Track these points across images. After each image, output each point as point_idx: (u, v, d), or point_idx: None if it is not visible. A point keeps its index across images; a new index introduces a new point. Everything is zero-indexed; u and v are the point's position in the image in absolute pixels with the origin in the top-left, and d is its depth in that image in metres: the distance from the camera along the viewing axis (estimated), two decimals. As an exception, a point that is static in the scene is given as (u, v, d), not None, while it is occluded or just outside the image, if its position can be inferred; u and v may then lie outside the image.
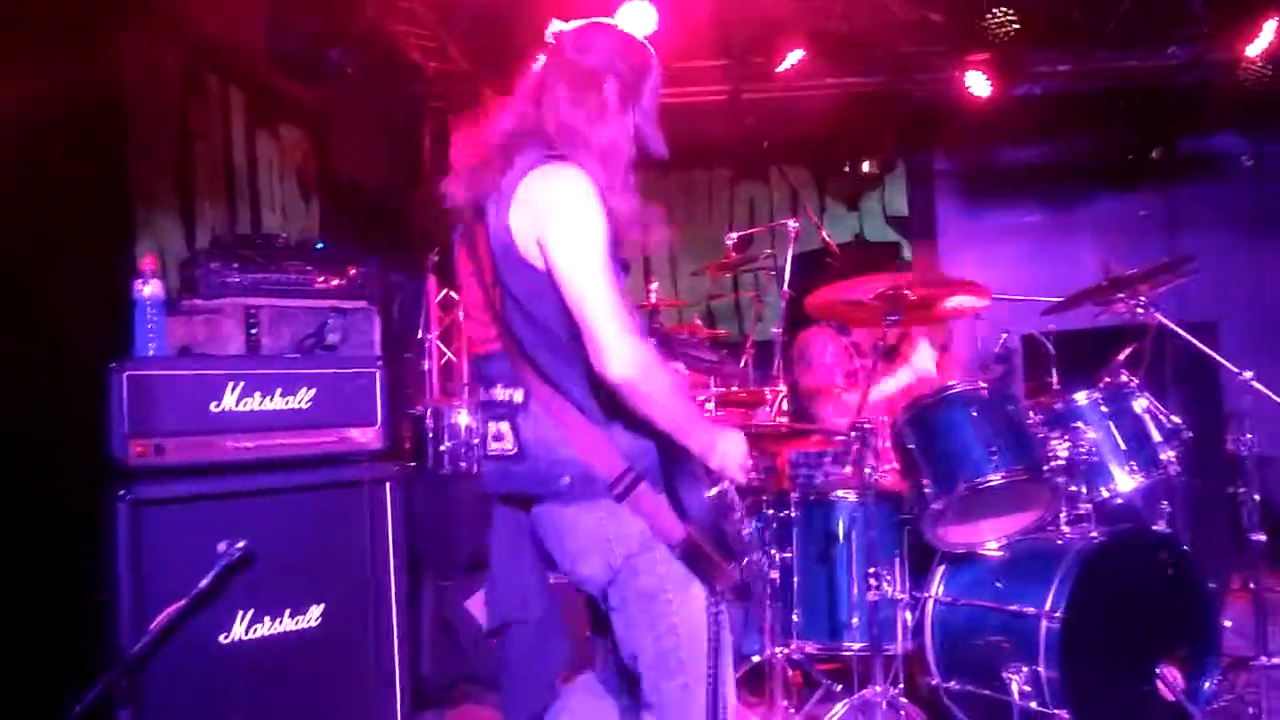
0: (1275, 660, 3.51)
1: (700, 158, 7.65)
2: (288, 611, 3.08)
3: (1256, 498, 3.51)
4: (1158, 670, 3.20)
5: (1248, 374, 3.49)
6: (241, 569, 2.95)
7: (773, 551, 3.51)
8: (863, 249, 7.41)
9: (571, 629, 2.39)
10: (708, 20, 5.64)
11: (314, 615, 3.13)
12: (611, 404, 2.08)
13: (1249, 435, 3.51)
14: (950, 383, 3.43)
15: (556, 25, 2.24)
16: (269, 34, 4.86)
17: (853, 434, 3.30)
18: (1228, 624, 3.52)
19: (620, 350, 2.00)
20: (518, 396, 2.14)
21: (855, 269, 3.89)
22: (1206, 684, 3.30)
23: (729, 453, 2.15)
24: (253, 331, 3.46)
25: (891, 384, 4.16)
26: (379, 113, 6.21)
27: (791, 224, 5.61)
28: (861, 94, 6.78)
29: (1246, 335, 5.78)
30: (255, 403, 3.09)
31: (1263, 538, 3.49)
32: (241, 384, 3.07)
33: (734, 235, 6.04)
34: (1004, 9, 5.56)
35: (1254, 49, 5.53)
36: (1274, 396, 3.47)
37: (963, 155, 7.47)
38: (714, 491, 2.11)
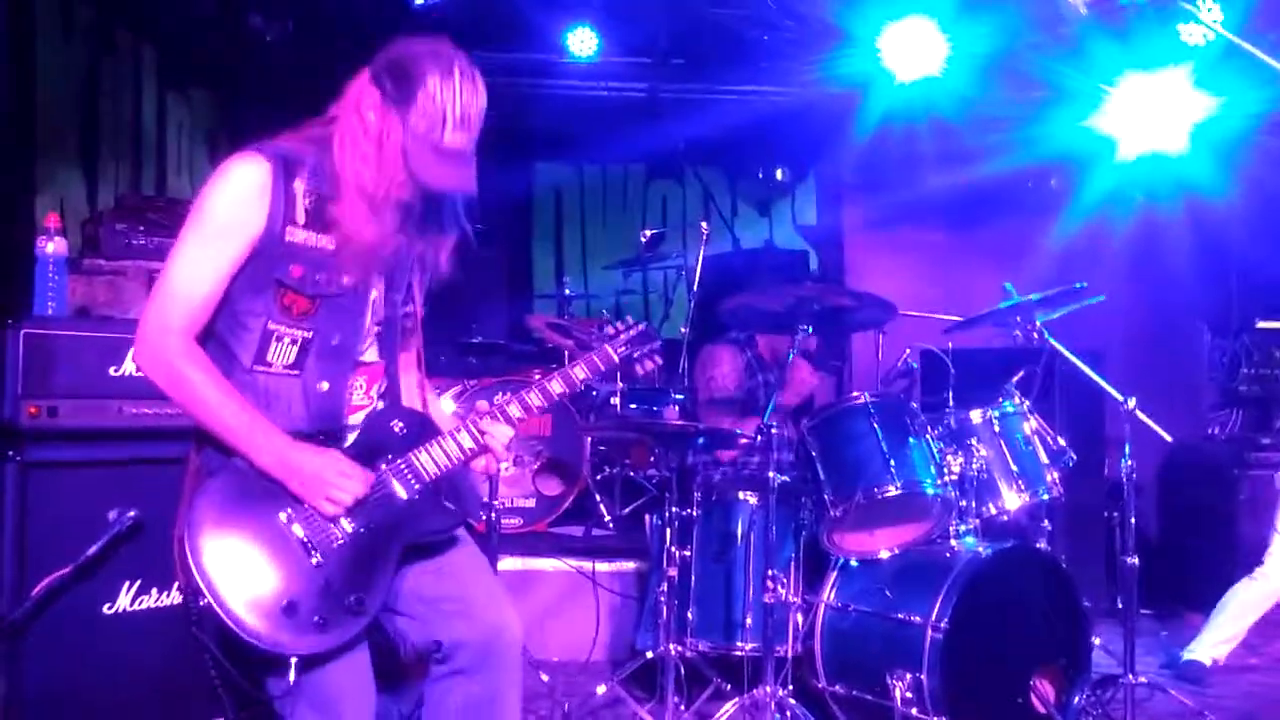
0: (1141, 679, 3.69)
1: (616, 153, 7.68)
2: (177, 584, 2.99)
3: (1133, 522, 3.68)
4: (1031, 683, 3.35)
5: (1131, 402, 3.67)
6: (131, 538, 2.85)
7: (673, 549, 3.55)
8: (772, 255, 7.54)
9: None
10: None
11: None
12: None
13: (1130, 462, 3.68)
14: (855, 393, 3.52)
15: None
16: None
17: (758, 438, 3.36)
18: (1097, 642, 3.69)
19: (140, 336, 1.97)
20: None
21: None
22: (1076, 699, 3.46)
23: (310, 477, 1.97)
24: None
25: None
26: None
27: (703, 225, 5.70)
28: (778, 101, 6.89)
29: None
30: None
31: (1136, 561, 3.67)
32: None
33: (646, 232, 6.11)
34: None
35: None
36: (1154, 426, 3.66)
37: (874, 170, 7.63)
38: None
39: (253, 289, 2.00)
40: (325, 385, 2.07)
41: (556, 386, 2.20)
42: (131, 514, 2.83)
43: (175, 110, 5.06)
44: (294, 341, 2.03)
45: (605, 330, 2.29)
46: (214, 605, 1.88)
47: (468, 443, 2.12)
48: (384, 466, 2.08)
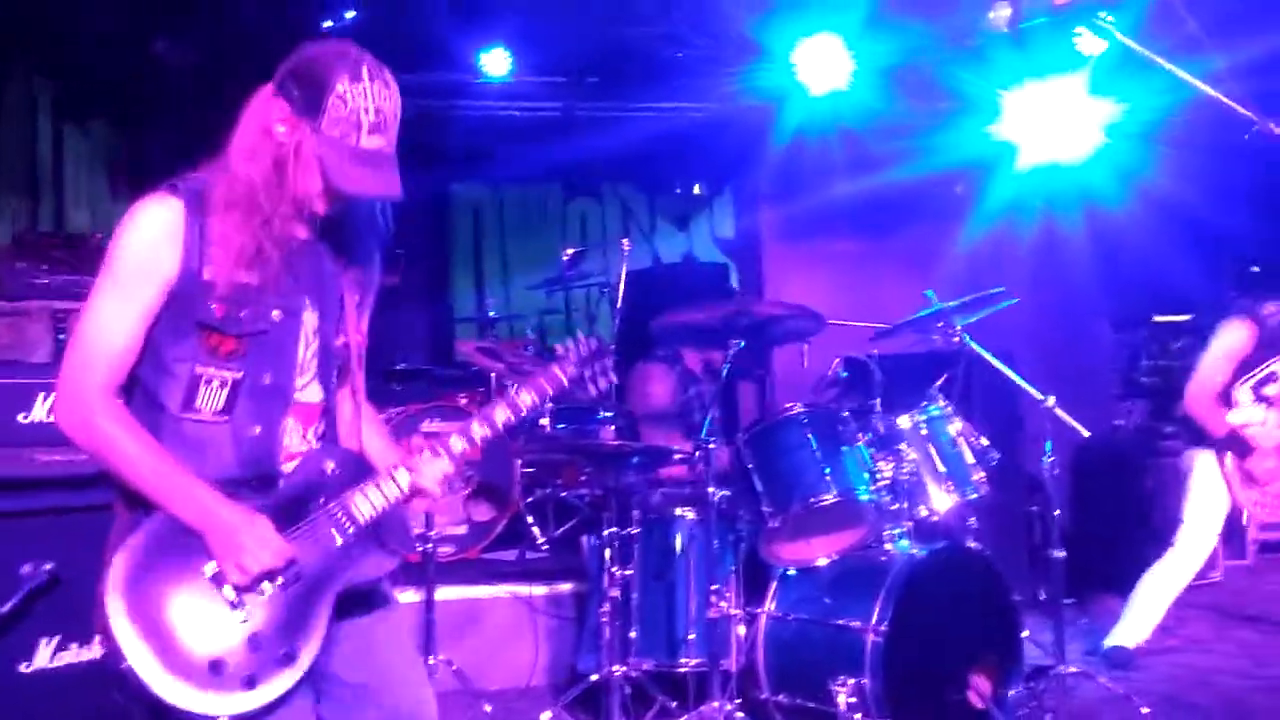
0: (1071, 668, 3.79)
1: (534, 172, 7.66)
2: (98, 638, 2.86)
3: (1057, 513, 3.78)
4: (968, 679, 3.40)
5: (1051, 400, 3.77)
6: (48, 592, 2.73)
7: (614, 569, 3.52)
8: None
9: None
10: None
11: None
12: None
13: (1052, 458, 3.78)
14: (789, 405, 3.56)
15: None
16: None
17: (695, 454, 3.36)
18: (1026, 634, 3.78)
19: (59, 395, 1.89)
20: None
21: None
22: (1011, 692, 3.54)
23: (227, 537, 1.86)
24: (62, 337, 3.22)
25: None
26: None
27: (624, 242, 5.72)
28: (693, 117, 6.95)
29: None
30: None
31: (1062, 554, 3.77)
32: (53, 394, 2.84)
33: (569, 251, 6.11)
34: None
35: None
36: (1072, 422, 3.77)
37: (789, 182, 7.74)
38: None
39: (176, 333, 1.90)
40: (257, 429, 1.96)
41: (502, 415, 2.11)
42: (47, 567, 2.71)
43: (73, 143, 4.89)
44: (223, 384, 1.93)
45: (556, 350, 2.19)
46: (135, 669, 1.78)
47: (407, 482, 2.04)
48: (315, 511, 1.98)
